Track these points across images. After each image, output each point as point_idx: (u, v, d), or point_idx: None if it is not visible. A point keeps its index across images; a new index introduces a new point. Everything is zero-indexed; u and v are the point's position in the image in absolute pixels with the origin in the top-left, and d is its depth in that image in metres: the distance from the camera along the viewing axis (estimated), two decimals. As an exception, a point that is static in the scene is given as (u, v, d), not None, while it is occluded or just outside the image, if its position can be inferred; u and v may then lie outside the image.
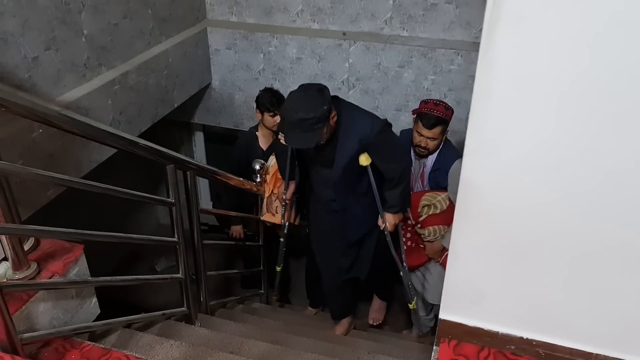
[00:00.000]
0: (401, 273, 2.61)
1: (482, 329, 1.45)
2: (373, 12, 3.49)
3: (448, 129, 2.74)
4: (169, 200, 2.21)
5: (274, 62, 3.72)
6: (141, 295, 3.53)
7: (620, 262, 1.27)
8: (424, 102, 2.76)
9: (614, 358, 1.37)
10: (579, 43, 1.05)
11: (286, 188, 2.69)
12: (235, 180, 2.82)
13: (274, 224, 3.10)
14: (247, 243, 3.42)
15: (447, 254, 2.60)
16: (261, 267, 3.46)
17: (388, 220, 2.51)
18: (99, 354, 1.69)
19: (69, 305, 1.83)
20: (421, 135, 2.72)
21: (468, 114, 1.20)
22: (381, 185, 2.46)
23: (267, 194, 3.00)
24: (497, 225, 1.30)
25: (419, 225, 2.77)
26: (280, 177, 2.83)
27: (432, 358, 1.52)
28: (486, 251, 1.35)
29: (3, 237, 1.57)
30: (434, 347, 1.53)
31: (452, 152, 2.77)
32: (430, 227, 2.73)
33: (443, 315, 1.48)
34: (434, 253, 2.82)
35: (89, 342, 1.78)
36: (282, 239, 2.87)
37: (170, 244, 2.30)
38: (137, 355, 1.73)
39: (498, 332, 1.44)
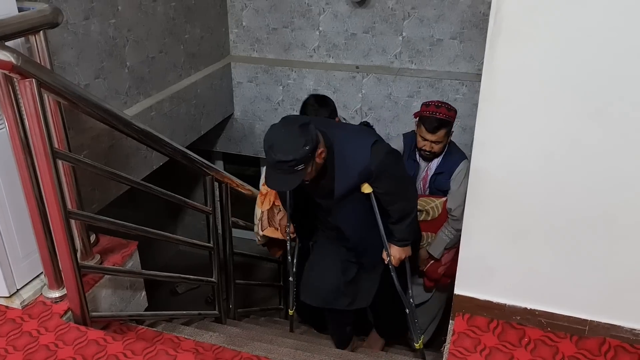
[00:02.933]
0: (407, 311, 2.35)
1: (492, 302, 1.67)
2: (384, 48, 3.82)
3: (452, 130, 2.67)
4: (207, 208, 2.47)
5: (292, 94, 4.03)
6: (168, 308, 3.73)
7: (610, 237, 1.50)
8: (425, 105, 2.64)
9: (605, 323, 1.58)
10: (565, 53, 1.32)
11: (289, 220, 2.45)
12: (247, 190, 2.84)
13: (272, 241, 2.82)
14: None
15: (432, 263, 2.74)
16: (280, 283, 3.68)
17: (393, 254, 2.26)
18: (152, 336, 1.90)
19: (124, 295, 2.07)
20: (425, 139, 2.61)
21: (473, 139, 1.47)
22: (387, 215, 2.22)
23: (266, 207, 2.67)
24: (502, 207, 1.54)
25: None
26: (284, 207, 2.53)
27: (448, 330, 1.74)
28: (494, 231, 1.59)
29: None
30: (450, 321, 1.75)
31: (457, 155, 2.70)
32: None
33: (458, 291, 1.70)
34: (421, 261, 2.77)
35: (142, 326, 2.00)
36: (291, 279, 2.59)
37: (206, 249, 2.54)
38: (187, 337, 1.95)
39: (505, 304, 1.66)
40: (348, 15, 3.78)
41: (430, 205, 2.67)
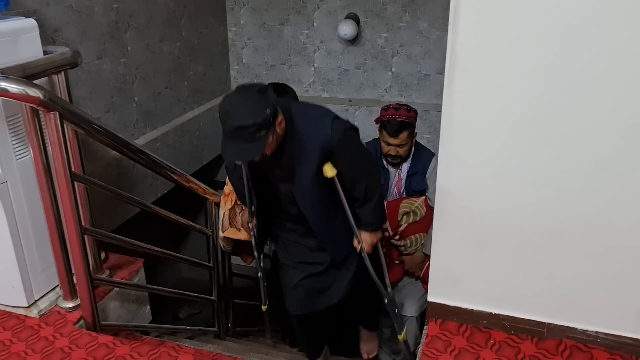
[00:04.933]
0: (385, 300, 2.18)
1: (461, 308, 1.86)
2: (375, 82, 4.08)
3: (416, 131, 2.63)
4: (207, 230, 2.68)
5: (289, 126, 4.27)
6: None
7: (559, 248, 1.69)
8: (384, 109, 2.56)
9: (561, 325, 1.77)
10: (513, 87, 1.54)
11: (251, 216, 2.21)
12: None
13: (239, 246, 2.64)
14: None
15: (428, 264, 2.32)
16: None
17: (364, 240, 2.13)
18: (156, 344, 2.08)
19: (131, 308, 2.27)
20: (389, 144, 2.53)
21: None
22: (352, 200, 2.12)
23: (228, 206, 2.50)
24: (465, 222, 1.74)
25: (397, 237, 2.57)
26: (242, 203, 2.35)
27: (422, 335, 1.92)
28: (459, 243, 1.78)
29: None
30: (425, 326, 1.93)
31: (426, 154, 2.66)
32: (412, 236, 2.55)
33: (430, 298, 1.89)
34: (415, 266, 2.62)
35: (146, 336, 2.19)
36: (260, 274, 2.42)
37: (206, 268, 2.74)
38: (187, 346, 2.13)
39: (473, 309, 1.85)
40: (341, 52, 4.06)
41: (415, 206, 2.57)
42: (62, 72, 1.88)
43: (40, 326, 1.94)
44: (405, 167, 2.68)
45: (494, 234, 1.75)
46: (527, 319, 1.80)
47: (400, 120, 2.51)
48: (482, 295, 1.84)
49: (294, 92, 2.60)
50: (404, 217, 2.55)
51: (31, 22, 1.82)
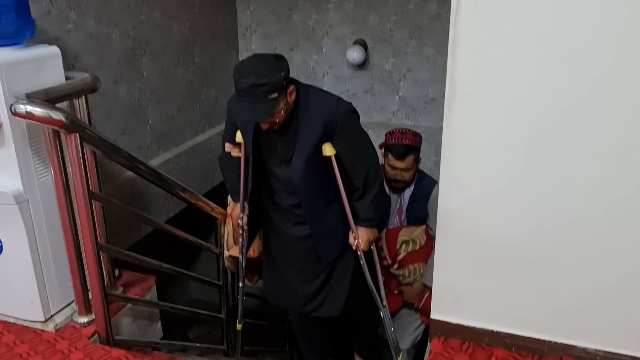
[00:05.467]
0: (381, 314, 2.15)
1: (463, 325, 1.91)
2: (382, 106, 4.17)
3: (420, 156, 2.61)
4: (216, 249, 2.75)
5: (298, 148, 4.36)
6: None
7: (559, 267, 1.74)
8: (389, 133, 2.55)
9: (561, 343, 1.81)
10: (509, 110, 1.61)
11: (242, 209, 2.16)
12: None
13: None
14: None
15: (428, 295, 2.42)
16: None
17: (361, 236, 2.07)
18: (167, 358, 2.15)
19: (142, 324, 2.33)
20: (394, 168, 2.51)
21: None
22: (350, 191, 2.07)
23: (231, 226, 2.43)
24: (466, 241, 1.80)
25: (395, 266, 2.53)
26: (233, 199, 2.31)
27: (426, 352, 1.96)
28: (460, 262, 1.84)
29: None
30: (428, 344, 1.97)
31: (428, 182, 2.63)
32: (410, 266, 2.51)
33: (434, 315, 1.94)
34: (415, 296, 2.55)
35: (157, 352, 2.25)
36: (240, 284, 2.34)
37: (215, 287, 2.80)
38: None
39: (475, 327, 1.89)
40: (349, 77, 4.17)
41: (414, 234, 2.53)
42: (83, 97, 1.98)
43: (56, 340, 2.00)
44: (407, 193, 2.66)
45: (494, 252, 1.80)
46: (527, 337, 1.85)
47: (407, 144, 2.50)
48: (483, 313, 1.89)
49: None
50: (403, 245, 2.52)
51: (55, 49, 1.93)
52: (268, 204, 2.19)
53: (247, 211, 2.18)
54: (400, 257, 2.51)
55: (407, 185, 2.62)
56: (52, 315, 2.08)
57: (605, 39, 1.46)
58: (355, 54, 3.89)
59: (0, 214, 1.89)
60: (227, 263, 2.55)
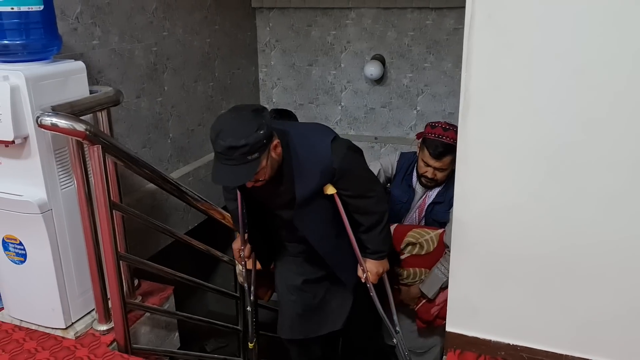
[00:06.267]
0: (394, 341, 2.10)
1: (479, 338, 1.90)
2: (400, 121, 4.19)
3: None
4: (233, 262, 2.78)
5: (316, 162, 4.40)
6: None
7: (574, 280, 1.74)
8: (431, 126, 2.36)
9: (579, 357, 1.79)
10: (523, 122, 1.62)
11: (243, 242, 2.12)
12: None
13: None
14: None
15: (424, 303, 2.42)
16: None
17: (370, 270, 2.02)
18: (183, 368, 2.18)
19: (160, 334, 2.36)
20: (428, 165, 2.33)
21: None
22: (357, 224, 2.01)
23: None
24: (481, 253, 1.80)
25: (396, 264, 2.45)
26: (235, 228, 2.27)
27: (441, 365, 1.96)
28: (476, 274, 1.84)
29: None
30: (443, 357, 1.97)
31: None
32: (410, 269, 2.43)
33: (449, 328, 1.94)
34: (410, 299, 2.48)
35: (175, 362, 2.28)
36: (249, 308, 2.32)
37: (232, 298, 2.83)
38: (213, 370, 2.21)
39: (491, 340, 1.89)
40: (367, 91, 4.20)
41: (424, 238, 2.40)
42: (106, 110, 2.04)
43: (76, 347, 2.04)
44: (434, 192, 2.47)
45: (510, 265, 1.80)
46: (545, 351, 1.83)
47: (447, 142, 2.29)
48: (499, 326, 1.88)
49: (296, 118, 2.49)
50: (409, 247, 2.42)
51: (80, 64, 1.99)
52: (275, 239, 2.18)
53: (247, 245, 2.12)
54: (403, 256, 2.41)
55: (438, 185, 2.44)
56: (72, 323, 2.12)
57: (619, 50, 1.47)
58: (373, 69, 3.93)
59: (25, 223, 1.94)
60: (240, 279, 2.51)
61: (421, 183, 2.44)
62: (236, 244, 2.19)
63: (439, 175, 2.35)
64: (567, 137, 1.59)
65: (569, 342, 1.81)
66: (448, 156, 2.29)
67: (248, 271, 2.23)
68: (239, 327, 2.86)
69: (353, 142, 2.03)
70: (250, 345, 2.42)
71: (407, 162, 2.54)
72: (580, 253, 1.71)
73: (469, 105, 1.66)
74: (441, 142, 2.29)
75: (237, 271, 2.45)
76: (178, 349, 2.49)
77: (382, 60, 4.02)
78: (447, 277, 2.21)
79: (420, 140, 2.38)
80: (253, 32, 4.33)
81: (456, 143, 2.11)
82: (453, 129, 2.32)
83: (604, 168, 1.58)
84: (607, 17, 1.45)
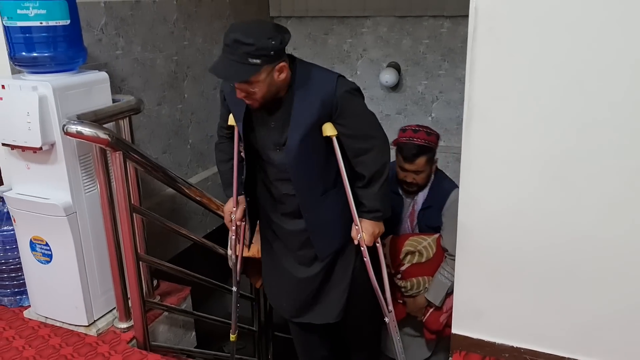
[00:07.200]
0: (386, 320, 1.97)
1: (484, 340, 1.95)
2: (415, 127, 4.25)
3: (436, 157, 2.35)
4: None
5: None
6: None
7: (575, 284, 1.78)
8: (402, 130, 2.30)
9: (581, 360, 1.84)
10: (526, 132, 1.68)
11: (236, 203, 2.03)
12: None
13: (249, 266, 2.53)
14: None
15: (432, 312, 2.32)
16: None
17: (366, 229, 1.89)
18: (199, 365, 2.27)
19: (177, 332, 2.46)
20: (404, 169, 2.25)
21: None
22: (354, 177, 1.88)
23: None
24: (485, 257, 1.86)
25: (399, 276, 2.35)
26: (226, 194, 2.15)
27: (447, 366, 2.01)
28: (480, 278, 1.89)
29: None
30: (449, 358, 2.02)
31: (445, 186, 2.33)
32: (413, 279, 2.33)
33: (454, 330, 1.99)
34: (418, 310, 2.36)
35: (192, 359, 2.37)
36: (234, 289, 2.21)
37: (248, 300, 2.91)
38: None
39: (495, 342, 1.93)
40: (383, 98, 4.27)
41: (422, 245, 2.30)
42: (127, 118, 2.15)
43: (98, 343, 2.14)
44: (421, 197, 2.35)
45: (513, 269, 1.85)
46: (548, 353, 1.88)
47: (418, 144, 2.23)
48: (503, 329, 1.93)
49: None
50: (408, 256, 2.32)
51: (103, 75, 2.11)
52: (263, 196, 2.03)
53: (242, 205, 2.04)
54: (403, 267, 2.33)
55: (420, 188, 2.33)
56: (94, 321, 2.23)
57: (621, 60, 1.51)
58: (388, 77, 3.99)
59: (51, 225, 2.06)
60: (230, 263, 2.37)
61: (403, 190, 2.37)
62: (228, 206, 2.12)
63: (418, 178, 2.28)
64: (567, 144, 1.65)
65: (572, 344, 1.85)
66: (421, 157, 2.24)
67: (234, 248, 2.16)
68: (254, 328, 2.94)
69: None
70: (232, 337, 2.37)
71: (391, 171, 2.31)
72: (581, 257, 1.75)
73: (472, 115, 1.73)
74: (413, 144, 2.24)
75: (229, 254, 2.36)
76: (195, 348, 2.59)
77: (398, 68, 4.08)
78: (452, 282, 2.17)
79: (396, 147, 2.31)
80: (271, 41, 4.42)
81: (428, 143, 2.23)
82: (424, 130, 2.29)
83: (604, 174, 1.63)
84: (604, 27, 1.50)
